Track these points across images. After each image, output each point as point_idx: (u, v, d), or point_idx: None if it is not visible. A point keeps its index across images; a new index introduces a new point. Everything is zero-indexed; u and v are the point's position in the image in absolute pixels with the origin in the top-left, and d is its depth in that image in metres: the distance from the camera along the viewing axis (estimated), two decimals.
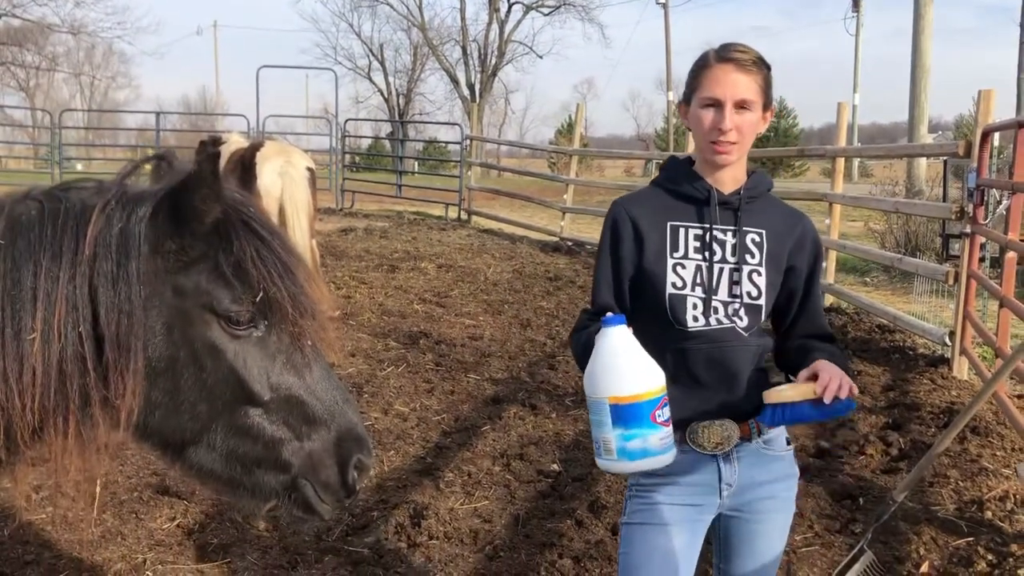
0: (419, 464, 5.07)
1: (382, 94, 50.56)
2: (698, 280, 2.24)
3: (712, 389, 2.25)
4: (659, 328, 2.25)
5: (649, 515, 2.28)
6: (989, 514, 4.29)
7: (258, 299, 1.75)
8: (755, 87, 2.19)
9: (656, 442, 2.02)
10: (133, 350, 1.67)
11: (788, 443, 2.37)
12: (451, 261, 12.04)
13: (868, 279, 12.32)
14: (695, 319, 2.23)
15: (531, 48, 48.17)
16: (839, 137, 9.93)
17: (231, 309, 1.74)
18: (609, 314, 2.09)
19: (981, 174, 6.67)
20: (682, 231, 2.27)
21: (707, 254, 2.26)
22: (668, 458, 2.06)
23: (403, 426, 5.66)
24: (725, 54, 2.21)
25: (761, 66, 2.22)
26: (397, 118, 45.52)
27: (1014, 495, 4.46)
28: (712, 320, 2.23)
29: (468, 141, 19.47)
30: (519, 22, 47.59)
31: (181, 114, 42.56)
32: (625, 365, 2.02)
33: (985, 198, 6.84)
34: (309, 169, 8.97)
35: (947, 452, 4.90)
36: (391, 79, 50.23)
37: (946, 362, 6.94)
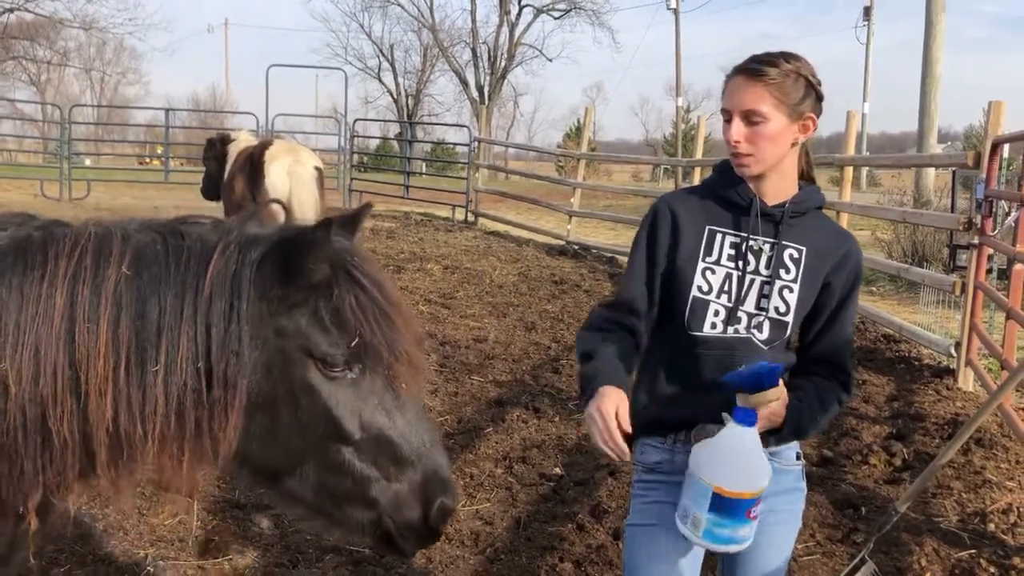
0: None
1: (391, 95, 50.70)
2: (725, 288, 2.21)
3: (718, 393, 2.18)
4: (676, 332, 2.24)
5: (652, 516, 2.27)
6: (992, 526, 4.28)
7: (354, 344, 1.81)
8: (767, 96, 2.13)
9: (743, 533, 2.05)
10: (238, 388, 1.75)
11: (798, 457, 2.33)
12: (457, 263, 12.05)
13: (874, 288, 12.30)
14: (713, 326, 2.20)
15: (541, 51, 48.28)
16: (848, 146, 9.92)
17: (327, 353, 1.81)
18: (740, 405, 2.04)
19: (990, 185, 6.66)
20: (719, 236, 2.24)
21: (740, 263, 2.22)
22: (745, 546, 2.09)
23: None
24: (741, 64, 2.19)
25: (786, 75, 2.14)
26: (406, 119, 45.58)
27: (1018, 508, 4.45)
28: (730, 330, 2.20)
29: (476, 143, 19.48)
30: (529, 25, 47.74)
31: (190, 111, 42.67)
32: (744, 466, 2.02)
33: (994, 209, 6.82)
34: (317, 168, 9.01)
35: (951, 463, 4.89)
36: (400, 80, 50.41)
37: (951, 373, 6.92)
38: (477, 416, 5.95)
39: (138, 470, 1.81)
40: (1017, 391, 5.82)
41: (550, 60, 48.60)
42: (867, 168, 30.85)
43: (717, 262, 2.23)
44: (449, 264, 11.90)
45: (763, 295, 2.21)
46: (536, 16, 47.38)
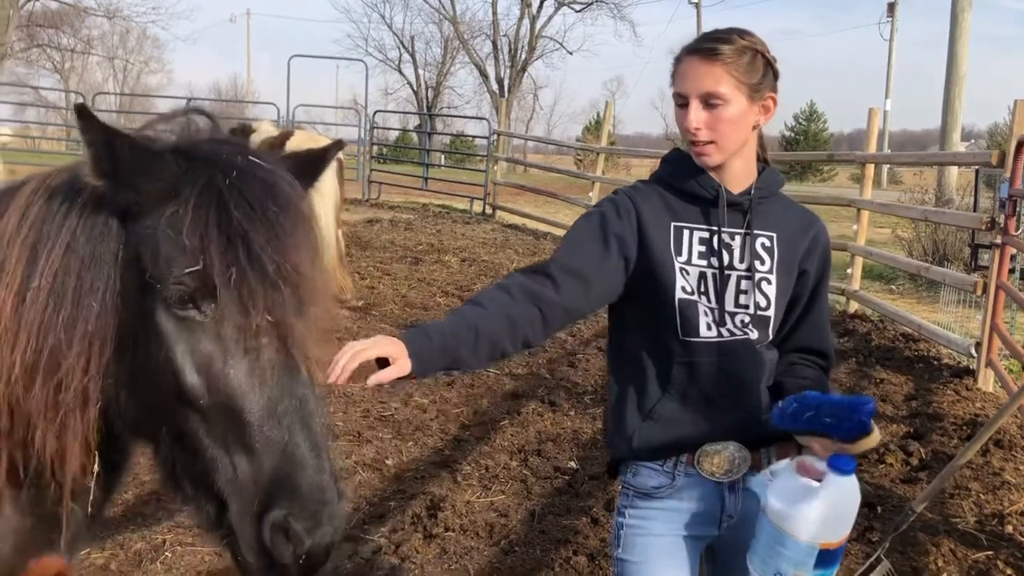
0: (437, 456, 5.09)
1: (411, 86, 50.73)
2: (703, 288, 2.02)
3: (723, 408, 2.03)
4: (667, 340, 2.03)
5: (654, 552, 2.06)
6: (1010, 528, 4.25)
7: (189, 271, 1.45)
8: (727, 78, 1.95)
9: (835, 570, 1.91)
10: (91, 310, 1.49)
11: None
12: (474, 255, 12.07)
13: (894, 287, 12.21)
14: (708, 327, 2.01)
15: (561, 44, 48.17)
16: (869, 143, 9.84)
17: (159, 277, 1.47)
18: (839, 455, 1.82)
19: (1014, 184, 6.59)
20: (686, 233, 2.05)
21: (714, 259, 2.04)
22: None
23: (422, 418, 5.69)
24: (694, 44, 2.00)
25: (740, 52, 1.96)
26: (425, 111, 45.62)
27: None
28: (724, 331, 2.02)
29: (495, 136, 19.47)
30: (550, 18, 47.63)
31: (212, 100, 42.89)
32: (849, 512, 1.87)
33: (1017, 209, 6.75)
34: (337, 159, 9.03)
35: (969, 464, 4.85)
36: (421, 72, 50.43)
37: (971, 373, 6.87)
38: (493, 408, 5.97)
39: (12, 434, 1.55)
40: None
41: (571, 53, 48.43)
42: (888, 166, 30.60)
43: (689, 261, 2.03)
44: (467, 256, 11.91)
45: (741, 291, 2.05)
46: (557, 9, 47.31)
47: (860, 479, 5.04)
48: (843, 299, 9.64)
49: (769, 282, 2.06)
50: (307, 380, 1.53)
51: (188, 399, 1.48)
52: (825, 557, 1.83)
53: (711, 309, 2.02)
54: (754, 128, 2.04)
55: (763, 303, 2.05)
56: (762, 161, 2.13)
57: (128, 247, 1.52)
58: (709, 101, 1.96)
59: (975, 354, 6.84)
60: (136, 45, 53.02)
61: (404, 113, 47.76)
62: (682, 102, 1.99)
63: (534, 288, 1.96)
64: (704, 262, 2.04)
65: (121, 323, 1.52)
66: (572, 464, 5.02)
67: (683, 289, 2.01)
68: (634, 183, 2.19)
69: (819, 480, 1.83)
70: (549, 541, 4.06)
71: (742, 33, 2.00)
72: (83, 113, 1.47)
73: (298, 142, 8.83)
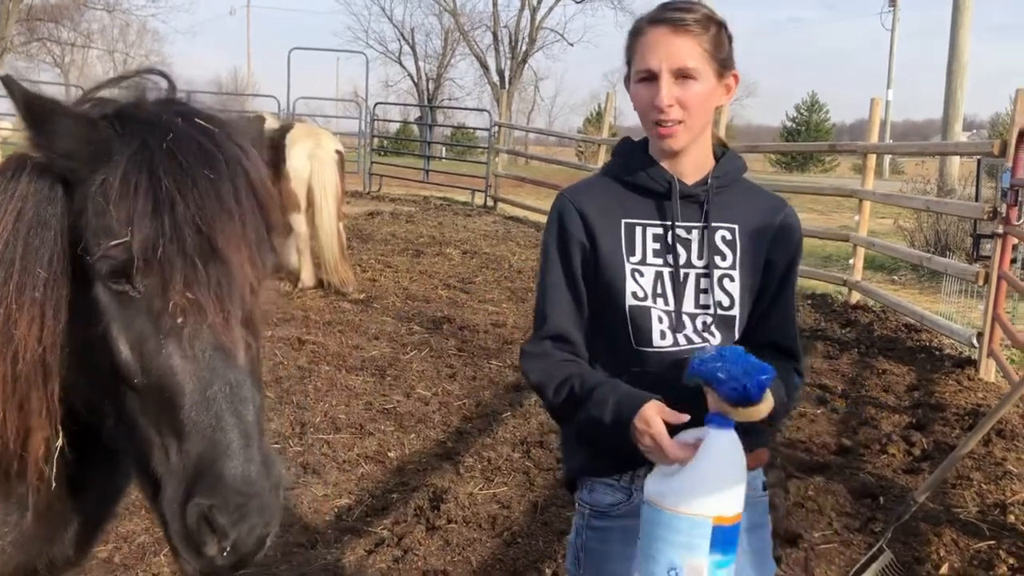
0: (440, 448, 5.10)
1: (412, 79, 50.68)
2: (659, 290, 1.88)
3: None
4: (618, 348, 1.89)
5: (601, 573, 1.93)
6: (1012, 518, 4.26)
7: (115, 244, 1.36)
8: (698, 50, 1.81)
9: (735, 565, 1.68)
10: (37, 276, 1.43)
11: (764, 488, 2.02)
12: (476, 247, 12.06)
13: (896, 277, 12.20)
14: (662, 335, 1.87)
15: (562, 36, 48.10)
16: (871, 133, 9.83)
17: (86, 248, 1.40)
18: (714, 412, 1.68)
19: (1016, 174, 6.58)
20: (639, 230, 1.90)
21: (669, 257, 1.89)
22: None
23: (425, 410, 5.70)
24: (659, 15, 1.84)
25: (708, 24, 1.83)
26: (426, 103, 45.58)
27: None
28: (681, 338, 1.87)
29: (496, 128, 19.45)
30: (551, 9, 47.54)
31: (212, 94, 42.78)
32: (737, 476, 1.68)
33: (1019, 198, 6.74)
34: (338, 152, 9.03)
35: (971, 454, 4.85)
36: (421, 64, 50.37)
37: (973, 364, 6.87)
38: (495, 400, 5.97)
39: None
40: None
41: (571, 44, 48.66)
42: (890, 156, 30.54)
43: (643, 261, 1.89)
44: (468, 249, 11.91)
45: (701, 289, 1.90)
46: (558, 0, 47.19)
47: (862, 470, 5.06)
48: (845, 289, 9.64)
49: (732, 279, 1.91)
50: (243, 364, 1.43)
51: (123, 377, 1.42)
52: (721, 537, 1.62)
53: (667, 313, 1.88)
54: (717, 109, 1.91)
55: (725, 302, 1.91)
56: (721, 146, 1.99)
57: (70, 215, 1.46)
58: (680, 77, 1.81)
59: (977, 344, 6.84)
60: (136, 39, 52.96)
61: (405, 105, 47.77)
62: (647, 76, 1.83)
63: (568, 355, 1.92)
64: (659, 260, 1.89)
65: (71, 292, 1.46)
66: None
67: (634, 295, 1.87)
68: (578, 182, 2.08)
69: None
70: (552, 532, 4.07)
71: (699, 3, 1.87)
72: (6, 82, 1.41)
73: (298, 134, 8.83)
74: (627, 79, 1.93)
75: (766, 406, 1.68)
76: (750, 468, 1.85)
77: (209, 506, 1.35)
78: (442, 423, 5.50)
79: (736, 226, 1.93)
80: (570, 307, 1.93)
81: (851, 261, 9.64)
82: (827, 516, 4.28)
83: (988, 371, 6.69)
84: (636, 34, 1.88)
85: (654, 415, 1.70)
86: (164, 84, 1.60)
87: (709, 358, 1.69)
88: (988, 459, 4.96)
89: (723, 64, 1.86)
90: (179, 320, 1.38)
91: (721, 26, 1.87)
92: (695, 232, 1.90)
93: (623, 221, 1.91)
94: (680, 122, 1.83)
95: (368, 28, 50.07)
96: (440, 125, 37.45)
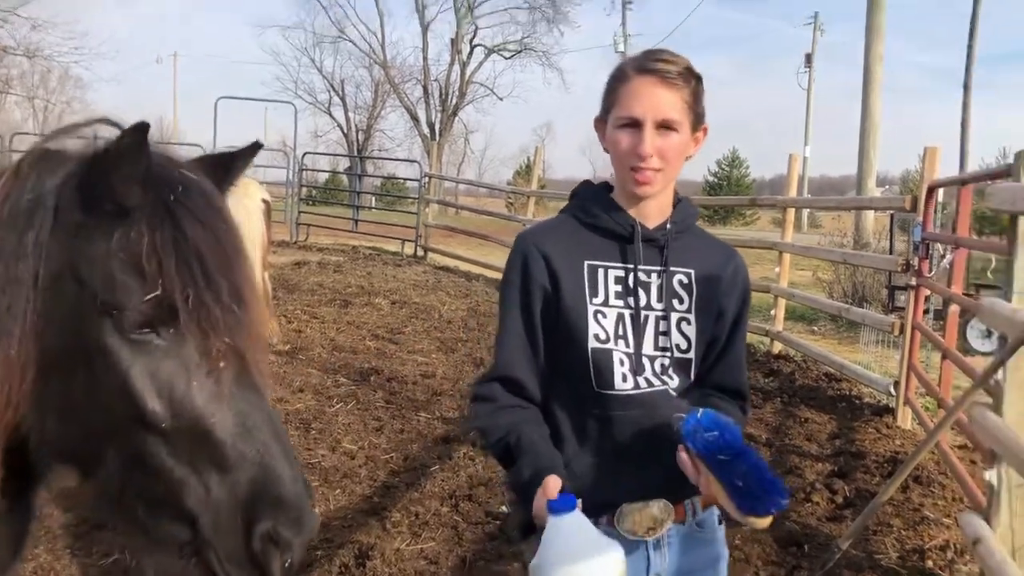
0: (366, 503, 4.99)
1: (341, 129, 50.67)
2: (620, 331, 1.90)
3: (643, 463, 1.89)
4: (579, 391, 1.90)
5: None
6: (930, 563, 4.35)
7: (150, 298, 1.42)
8: (681, 104, 1.86)
9: None
10: (11, 335, 1.40)
11: (720, 522, 2.04)
12: (405, 297, 12.00)
13: (816, 328, 12.52)
14: (624, 378, 1.88)
15: (492, 90, 48.78)
16: (790, 188, 10.14)
17: (116, 303, 1.42)
18: (555, 494, 1.68)
19: (926, 228, 6.86)
20: (601, 272, 1.92)
21: (631, 299, 1.91)
22: None
23: (351, 464, 5.58)
24: (646, 64, 1.87)
25: (689, 78, 1.88)
26: (356, 153, 45.53)
27: (954, 544, 4.52)
28: (641, 380, 1.90)
29: (426, 179, 19.51)
30: (480, 64, 48.26)
31: None
32: (590, 562, 1.63)
33: (930, 252, 7.02)
34: (264, 201, 8.91)
35: (891, 501, 4.96)
36: (351, 115, 50.40)
37: (891, 411, 7.06)
38: (423, 453, 5.89)
39: None
40: (953, 429, 5.95)
41: (501, 99, 49.03)
42: (808, 210, 31.57)
43: (605, 303, 1.91)
44: (397, 299, 11.83)
45: (660, 332, 1.93)
46: (487, 55, 47.98)
47: (787, 519, 5.10)
48: (767, 340, 9.85)
49: (688, 322, 1.95)
50: (267, 394, 1.55)
51: (147, 422, 1.45)
52: None
53: (628, 355, 1.90)
54: (687, 159, 1.97)
55: (683, 344, 1.95)
56: (675, 194, 2.05)
57: (60, 267, 1.45)
58: (663, 128, 1.86)
59: (894, 393, 7.04)
60: (58, 85, 51.87)
61: (334, 155, 47.61)
62: (630, 123, 1.86)
63: (517, 401, 1.93)
64: (621, 302, 1.92)
65: (48, 347, 1.45)
66: (504, 508, 4.97)
67: (596, 337, 1.89)
68: (539, 223, 2.09)
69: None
70: None
71: (680, 55, 1.92)
72: (143, 131, 1.42)
73: (252, 190, 8.70)
74: (601, 120, 1.97)
75: (767, 521, 1.67)
76: (705, 506, 1.92)
77: (273, 525, 1.46)
78: (368, 477, 5.39)
79: (692, 271, 1.98)
80: (525, 350, 1.93)
81: (773, 312, 9.87)
82: (753, 565, 4.31)
83: (905, 419, 6.88)
84: (621, 80, 1.90)
85: (542, 494, 1.71)
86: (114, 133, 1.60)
87: (710, 443, 1.69)
88: (907, 505, 5.08)
89: (699, 117, 1.92)
90: (213, 362, 1.47)
91: (699, 80, 1.92)
92: (654, 275, 1.94)
93: (586, 263, 1.93)
94: (658, 171, 1.87)
95: (297, 78, 49.82)
96: (370, 175, 37.43)
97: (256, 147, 1.78)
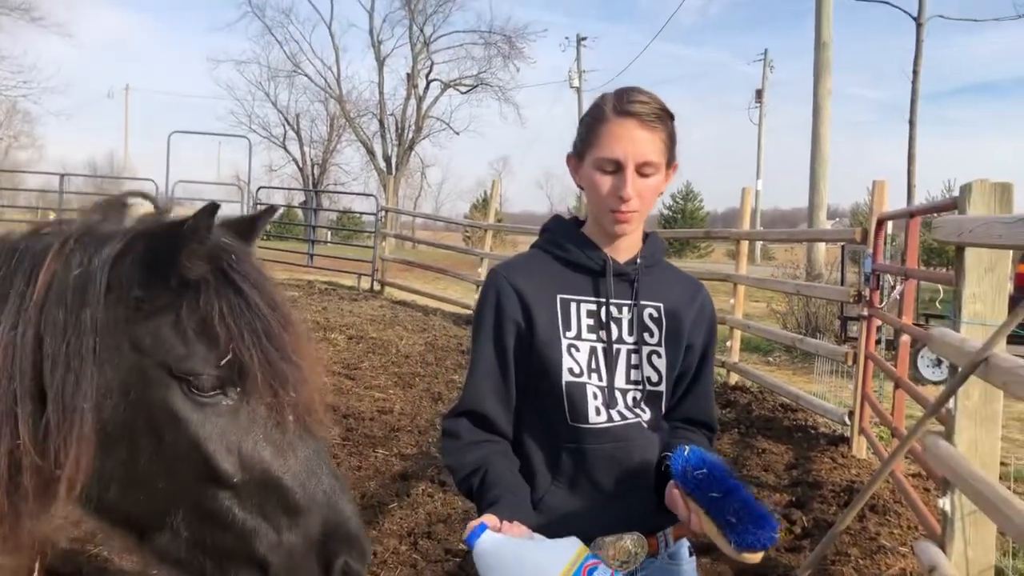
0: None
1: (297, 163, 50.43)
2: (593, 365, 1.92)
3: (615, 495, 1.91)
4: (553, 424, 1.91)
5: None
6: None
7: (223, 362, 1.51)
8: (660, 145, 1.89)
9: None
10: (79, 411, 1.44)
11: (691, 553, 2.08)
12: (362, 332, 11.90)
13: (771, 358, 12.67)
14: (597, 412, 1.90)
15: (448, 124, 48.99)
16: (743, 220, 10.29)
17: (192, 371, 1.50)
18: (469, 527, 1.71)
19: (876, 260, 7.00)
20: (574, 306, 1.94)
21: (603, 333, 1.94)
22: None
23: None
24: (625, 106, 1.88)
25: (666, 119, 1.91)
26: (311, 187, 45.32)
27: (911, 573, 4.56)
28: (615, 413, 1.92)
29: (383, 212, 19.48)
30: (436, 98, 48.45)
31: (86, 176, 41.45)
32: (526, 569, 1.65)
33: (880, 283, 7.16)
34: None
35: (848, 530, 5.00)
36: (306, 149, 50.24)
37: (846, 441, 7.13)
38: (381, 491, 5.81)
39: None
40: (907, 458, 6.03)
41: (457, 133, 49.24)
42: (761, 242, 32.07)
43: (578, 336, 1.93)
44: (354, 334, 11.73)
45: (632, 365, 1.95)
46: (443, 90, 48.21)
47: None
48: (724, 371, 9.93)
49: (659, 355, 1.98)
50: (317, 440, 1.65)
51: (219, 479, 1.52)
52: None
53: (601, 389, 1.92)
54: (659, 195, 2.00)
55: (654, 377, 1.97)
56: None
57: (117, 340, 1.50)
58: (644, 171, 1.88)
59: (848, 422, 7.12)
60: (5, 120, 51.04)
61: (289, 189, 47.39)
62: (612, 168, 1.88)
63: (486, 436, 1.94)
64: (593, 336, 1.94)
65: (108, 420, 1.49)
66: (463, 546, 4.91)
67: (570, 371, 1.90)
68: (511, 258, 2.11)
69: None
70: None
71: (654, 94, 1.93)
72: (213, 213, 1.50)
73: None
74: (575, 156, 1.99)
75: (760, 555, 1.69)
76: (677, 537, 1.94)
77: (345, 560, 1.59)
78: None
79: (661, 304, 2.01)
80: (495, 385, 1.94)
81: (728, 343, 9.97)
82: None
83: (860, 448, 6.96)
84: (600, 120, 1.91)
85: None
86: (150, 206, 1.71)
87: (700, 480, 1.72)
88: (863, 534, 5.12)
89: (672, 156, 1.95)
90: (280, 416, 1.56)
91: (673, 118, 1.94)
92: (625, 309, 1.97)
93: (558, 296, 1.95)
94: (636, 212, 1.90)
95: (252, 113, 49.54)
96: (326, 209, 37.28)
97: (272, 211, 1.92)
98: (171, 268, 1.50)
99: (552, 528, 1.87)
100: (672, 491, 1.78)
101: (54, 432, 1.44)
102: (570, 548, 1.69)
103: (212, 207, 1.50)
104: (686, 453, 1.76)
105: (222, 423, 1.53)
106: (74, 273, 1.49)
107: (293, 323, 1.64)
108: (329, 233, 29.57)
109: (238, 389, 1.54)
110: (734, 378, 9.80)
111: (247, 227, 1.75)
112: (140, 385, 1.51)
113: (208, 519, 1.54)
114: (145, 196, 1.71)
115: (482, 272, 15.90)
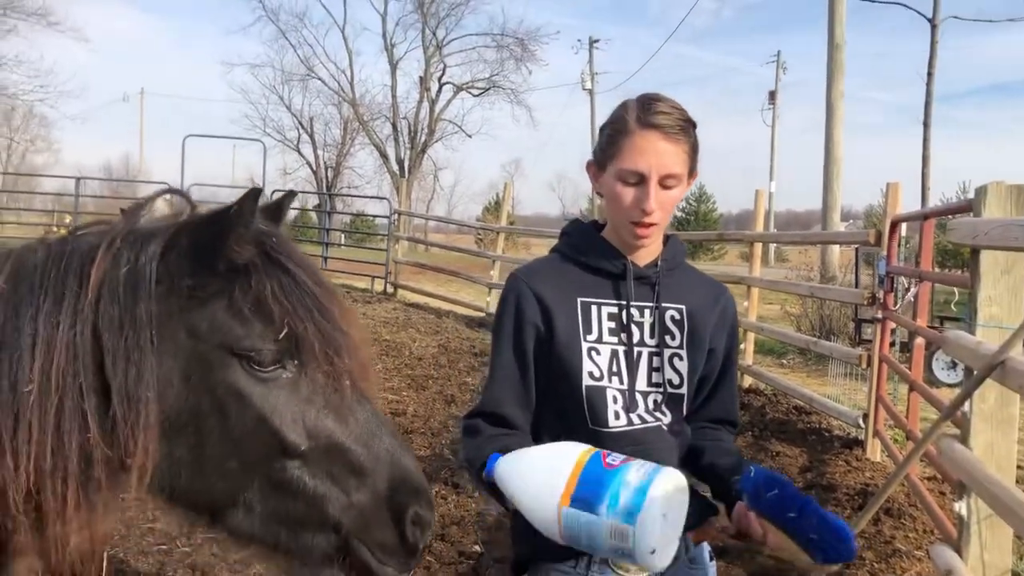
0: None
1: (311, 167, 50.60)
2: (614, 368, 1.92)
3: None
4: (572, 428, 1.90)
5: None
6: None
7: (281, 336, 1.58)
8: (683, 157, 1.88)
9: (636, 478, 1.61)
10: (143, 402, 1.50)
11: (711, 557, 2.09)
12: (375, 334, 11.92)
13: (785, 361, 12.62)
14: (616, 416, 1.90)
15: (460, 127, 49.06)
16: (756, 222, 10.26)
17: (252, 348, 1.57)
18: (490, 456, 1.77)
19: (890, 262, 6.97)
20: (595, 309, 1.94)
21: (624, 336, 1.93)
22: (667, 477, 1.63)
23: None
24: (649, 118, 1.86)
25: (689, 129, 1.89)
26: (325, 190, 45.47)
27: None
28: (635, 417, 1.91)
29: (396, 215, 19.52)
30: (449, 101, 48.55)
31: (102, 180, 41.74)
32: (538, 468, 1.70)
33: (895, 285, 7.12)
34: None
35: (862, 534, 4.98)
36: (320, 152, 50.41)
37: (860, 444, 7.10)
38: None
39: (26, 515, 1.49)
40: (922, 461, 6.00)
41: (470, 136, 49.30)
42: (775, 244, 31.96)
43: (599, 339, 1.92)
44: (367, 336, 11.75)
45: (654, 368, 1.94)
46: (456, 93, 48.28)
47: (760, 553, 5.08)
48: (738, 374, 9.89)
49: (680, 358, 1.97)
50: (372, 402, 1.72)
51: (287, 450, 1.59)
52: (584, 494, 1.61)
53: (622, 392, 1.91)
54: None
55: (675, 380, 1.96)
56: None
57: (172, 330, 1.56)
58: (666, 183, 1.87)
59: (863, 425, 7.09)
60: (22, 123, 51.46)
61: (303, 192, 47.55)
62: (635, 180, 1.87)
63: (517, 436, 1.94)
64: (615, 339, 1.93)
65: (172, 408, 1.55)
66: (477, 548, 4.92)
67: (591, 375, 1.90)
68: (530, 262, 2.11)
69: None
70: None
71: (677, 103, 1.91)
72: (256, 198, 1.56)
73: None
74: (597, 164, 1.97)
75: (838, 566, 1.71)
76: (698, 541, 1.96)
77: (416, 510, 1.66)
78: None
79: (683, 307, 2.00)
80: (515, 388, 1.95)
81: (742, 346, 9.94)
82: None
83: (874, 451, 6.92)
84: (623, 132, 1.88)
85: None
86: (182, 203, 1.78)
87: (773, 500, 1.71)
88: (878, 538, 5.10)
89: (694, 165, 1.94)
90: (340, 381, 1.63)
91: (695, 127, 1.93)
92: (647, 312, 1.96)
93: (579, 299, 1.95)
94: (657, 224, 1.90)
95: (266, 116, 49.70)
96: (339, 212, 37.37)
97: (293, 194, 1.99)
98: (219, 254, 1.55)
99: None
100: (745, 513, 1.77)
101: (121, 423, 1.49)
102: (577, 446, 1.72)
103: (255, 192, 1.56)
104: (752, 475, 1.75)
105: (284, 395, 1.60)
106: (123, 270, 1.54)
107: (339, 297, 1.71)
108: (343, 236, 29.65)
109: (296, 361, 1.61)
110: (748, 381, 9.77)
111: (275, 211, 1.80)
112: (201, 369, 1.57)
113: (279, 490, 1.61)
114: (179, 193, 1.77)
115: (494, 274, 15.92)
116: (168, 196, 1.79)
